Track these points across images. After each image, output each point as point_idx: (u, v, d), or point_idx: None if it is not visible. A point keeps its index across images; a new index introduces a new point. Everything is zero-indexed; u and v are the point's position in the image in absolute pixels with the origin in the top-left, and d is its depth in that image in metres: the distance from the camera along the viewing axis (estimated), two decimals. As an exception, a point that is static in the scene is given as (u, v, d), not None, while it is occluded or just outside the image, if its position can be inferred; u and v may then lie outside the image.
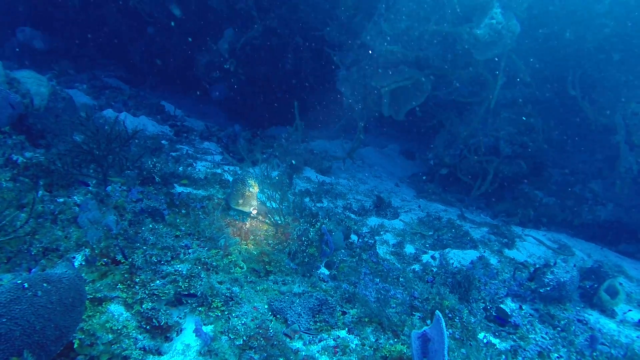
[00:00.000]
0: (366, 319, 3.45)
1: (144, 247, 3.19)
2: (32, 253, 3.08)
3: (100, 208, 4.10)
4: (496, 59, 6.02)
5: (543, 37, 6.33)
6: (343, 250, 5.11)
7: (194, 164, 7.02)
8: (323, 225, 4.85)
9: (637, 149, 6.10)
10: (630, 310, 5.25)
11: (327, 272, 4.68)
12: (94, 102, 10.45)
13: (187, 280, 3.03)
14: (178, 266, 3.15)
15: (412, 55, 6.30)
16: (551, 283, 4.73)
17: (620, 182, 6.59)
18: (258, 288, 3.57)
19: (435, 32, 5.78)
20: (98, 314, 2.80)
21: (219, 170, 6.92)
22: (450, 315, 3.95)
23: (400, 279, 4.85)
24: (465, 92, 7.41)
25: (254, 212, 4.68)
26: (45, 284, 2.39)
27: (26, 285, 2.28)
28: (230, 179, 6.75)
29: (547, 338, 4.23)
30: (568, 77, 6.98)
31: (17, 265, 2.99)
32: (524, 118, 7.27)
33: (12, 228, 3.07)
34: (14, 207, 3.78)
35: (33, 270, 2.97)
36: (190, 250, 3.41)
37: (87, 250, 3.24)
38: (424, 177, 9.32)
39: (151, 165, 5.54)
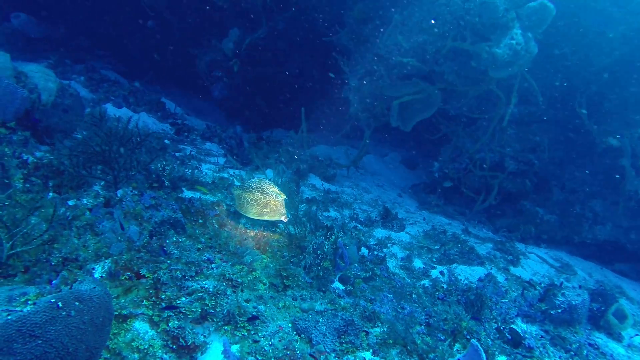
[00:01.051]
0: (390, 341, 3.40)
1: (168, 262, 3.07)
2: (52, 263, 2.93)
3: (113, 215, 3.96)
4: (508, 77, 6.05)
5: (554, 57, 6.38)
6: (356, 265, 5.05)
7: (200, 167, 6.87)
8: (339, 240, 4.79)
9: (643, 174, 6.22)
10: (637, 334, 5.33)
11: (341, 286, 4.61)
12: (92, 95, 10.17)
13: (213, 298, 2.93)
14: (204, 282, 3.05)
15: (427, 69, 6.30)
16: (562, 305, 4.77)
17: (624, 204, 6.71)
18: (280, 305, 3.49)
19: (452, 48, 5.78)
20: (123, 331, 2.68)
21: (225, 175, 6.79)
22: (468, 337, 3.94)
23: (414, 296, 4.83)
24: (474, 108, 7.45)
25: (285, 219, 4.54)
26: (77, 303, 2.27)
27: (60, 304, 2.16)
28: (238, 184, 6.64)
29: (561, 362, 4.26)
30: (576, 98, 7.08)
31: (37, 276, 2.84)
32: (530, 136, 7.36)
33: (31, 236, 2.92)
34: (28, 210, 3.62)
35: (54, 282, 2.83)
36: (213, 265, 3.30)
37: (107, 261, 3.11)
38: (427, 189, 9.34)
39: (160, 168, 5.39)
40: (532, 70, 6.33)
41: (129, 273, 2.91)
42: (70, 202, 4.11)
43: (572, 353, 4.43)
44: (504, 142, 7.49)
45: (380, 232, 6.76)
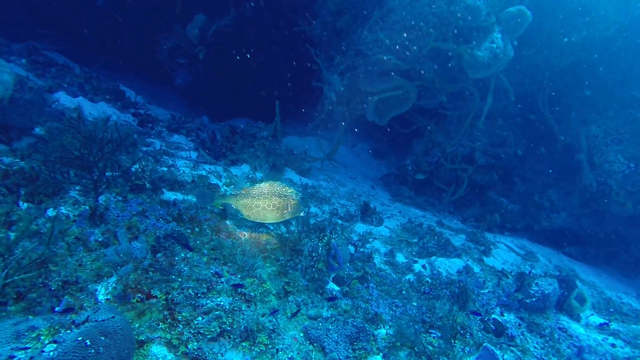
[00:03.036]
0: (398, 343, 3.52)
1: (179, 280, 2.94)
2: (52, 288, 2.70)
3: (97, 224, 3.71)
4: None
5: (522, 58, 6.72)
6: (348, 264, 5.13)
7: (176, 164, 6.56)
8: (333, 241, 4.83)
9: (597, 169, 6.80)
10: (592, 314, 5.92)
11: (336, 287, 4.68)
12: (39, 82, 9.27)
13: (230, 315, 2.87)
14: (218, 299, 2.96)
15: (407, 67, 6.40)
16: (536, 294, 5.17)
17: (579, 195, 7.33)
18: (288, 314, 3.48)
19: (433, 47, 5.90)
20: (141, 357, 2.55)
21: (203, 172, 6.54)
22: (462, 332, 4.17)
23: (403, 292, 5.01)
24: (447, 104, 7.71)
25: (303, 215, 4.43)
26: (103, 338, 2.13)
27: (88, 342, 2.01)
28: (216, 182, 6.43)
29: (539, 347, 4.65)
30: (539, 96, 7.54)
31: (37, 303, 2.61)
32: (498, 131, 7.77)
33: (27, 260, 2.66)
34: (1, 224, 3.29)
35: (57, 309, 2.62)
36: (222, 279, 3.21)
37: (110, 281, 2.92)
38: (397, 180, 9.60)
39: (140, 170, 5.08)
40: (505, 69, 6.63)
41: (139, 295, 2.75)
42: (50, 212, 3.78)
43: (547, 338, 4.85)
44: (474, 136, 7.85)
45: (361, 227, 6.88)
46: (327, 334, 3.33)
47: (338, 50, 7.90)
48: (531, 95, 7.80)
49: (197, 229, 3.86)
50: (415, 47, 5.96)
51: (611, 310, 6.54)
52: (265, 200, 4.09)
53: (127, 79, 12.50)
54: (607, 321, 5.85)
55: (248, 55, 10.54)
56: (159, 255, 3.08)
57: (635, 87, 7.03)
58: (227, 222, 5.05)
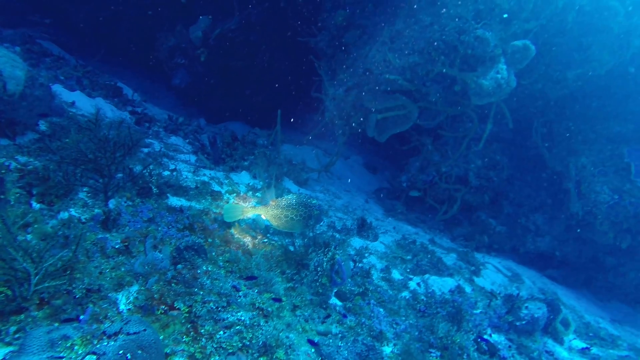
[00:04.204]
0: (404, 363, 3.63)
1: (201, 293, 2.97)
2: (76, 296, 2.69)
3: (109, 229, 3.69)
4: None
5: (519, 87, 7.02)
6: (350, 280, 5.22)
7: (178, 168, 6.52)
8: (337, 257, 4.91)
9: (584, 198, 7.15)
10: (575, 338, 6.20)
11: (339, 302, 4.76)
12: (33, 71, 9.04)
13: (250, 330, 2.91)
14: (238, 314, 3.00)
15: (413, 88, 6.59)
16: (526, 318, 5.39)
17: (565, 221, 7.66)
18: (299, 328, 3.54)
19: (441, 72, 6.11)
20: (165, 371, 2.57)
21: (205, 179, 6.53)
22: (459, 352, 4.32)
23: (402, 310, 5.13)
24: (446, 126, 7.95)
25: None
26: (140, 352, 2.15)
27: (129, 356, 2.03)
28: (219, 189, 6.43)
29: (528, 369, 4.85)
30: (533, 124, 7.87)
31: (62, 311, 2.59)
32: (492, 154, 8.06)
33: (53, 267, 2.65)
34: (19, 227, 3.25)
35: (82, 317, 2.61)
36: (240, 293, 3.25)
37: (131, 290, 2.92)
38: (390, 195, 9.78)
39: (147, 173, 5.05)
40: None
41: (163, 306, 2.77)
42: (63, 215, 3.74)
43: (535, 360, 5.07)
44: (469, 158, 8.11)
45: (357, 242, 6.99)
46: (337, 351, 3.40)
47: (343, 64, 8.04)
48: (525, 122, 8.13)
49: (209, 240, 3.88)
50: (422, 71, 6.16)
51: (590, 334, 6.84)
52: (293, 211, 4.23)
53: (123, 75, 12.31)
54: (588, 346, 6.12)
55: (250, 61, 10.57)
56: (179, 266, 3.10)
57: (620, 123, 7.44)
58: (231, 231, 5.08)
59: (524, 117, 8.17)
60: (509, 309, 5.62)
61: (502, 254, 8.58)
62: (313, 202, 4.33)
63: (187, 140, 8.80)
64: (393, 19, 7.17)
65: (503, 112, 6.56)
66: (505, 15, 5.49)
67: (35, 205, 3.69)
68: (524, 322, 5.41)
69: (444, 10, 5.63)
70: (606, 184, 7.15)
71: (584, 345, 6.06)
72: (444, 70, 6.01)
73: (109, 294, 2.87)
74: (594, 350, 6.06)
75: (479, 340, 4.91)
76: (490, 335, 5.31)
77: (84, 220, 3.77)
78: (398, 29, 6.76)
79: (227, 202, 5.99)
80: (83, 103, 8.22)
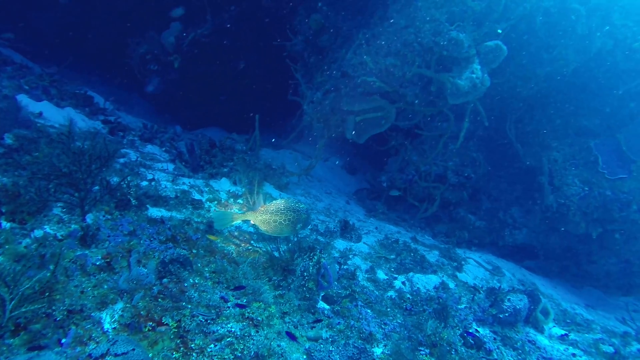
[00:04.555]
0: (395, 363, 3.66)
1: (189, 306, 2.91)
2: (57, 319, 2.58)
3: (88, 245, 3.57)
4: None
5: (492, 85, 7.21)
6: (336, 282, 5.22)
7: (155, 177, 6.37)
8: (323, 260, 4.91)
9: (557, 191, 7.41)
10: (554, 326, 6.41)
11: (327, 306, 4.75)
12: (-3, 83, 8.66)
13: (241, 341, 2.88)
14: (228, 325, 2.96)
15: (390, 90, 6.67)
16: (509, 310, 5.54)
17: (541, 214, 7.93)
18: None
19: (417, 74, 6.21)
20: (155, 390, 2.50)
21: (185, 187, 6.40)
22: (448, 348, 4.39)
23: (388, 309, 5.18)
24: (423, 125, 8.09)
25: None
26: (130, 375, 2.08)
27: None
28: (199, 197, 6.32)
29: (513, 360, 4.99)
30: (505, 121, 8.10)
31: (42, 336, 2.48)
32: (469, 152, 8.26)
33: (30, 290, 2.53)
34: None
35: (63, 341, 2.50)
36: (229, 304, 3.20)
37: (115, 308, 2.83)
38: (370, 195, 9.86)
39: (125, 185, 4.91)
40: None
41: (151, 323, 2.70)
42: (37, 233, 3.59)
43: (520, 350, 5.21)
44: (447, 157, 8.28)
45: (341, 244, 7.01)
46: (329, 356, 3.40)
47: (320, 68, 8.06)
48: (499, 120, 8.37)
49: (194, 250, 3.81)
50: (399, 72, 6.24)
51: (568, 321, 7.09)
52: (281, 216, 4.25)
53: (93, 82, 11.95)
54: (566, 332, 6.34)
55: (224, 66, 10.46)
56: (165, 280, 3.03)
57: (587, 119, 7.76)
58: (215, 240, 5.00)
59: (498, 115, 8.41)
60: (492, 302, 5.76)
61: (482, 248, 8.79)
62: (301, 206, 4.37)
63: (164, 149, 8.61)
64: (368, 22, 7.24)
65: (478, 111, 6.72)
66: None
67: (6, 225, 3.53)
68: (507, 314, 5.55)
69: (419, 13, 5.74)
70: (577, 176, 7.44)
71: (563, 332, 6.27)
72: (420, 71, 6.11)
73: (92, 314, 2.78)
74: (571, 335, 6.28)
75: (466, 335, 5.01)
76: (477, 331, 5.42)
77: (60, 237, 3.63)
78: (373, 32, 6.83)
79: (209, 211, 5.90)
80: (51, 113, 7.92)
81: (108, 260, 3.18)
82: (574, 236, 8.20)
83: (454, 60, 5.80)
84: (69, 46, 11.44)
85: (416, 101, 6.78)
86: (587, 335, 6.65)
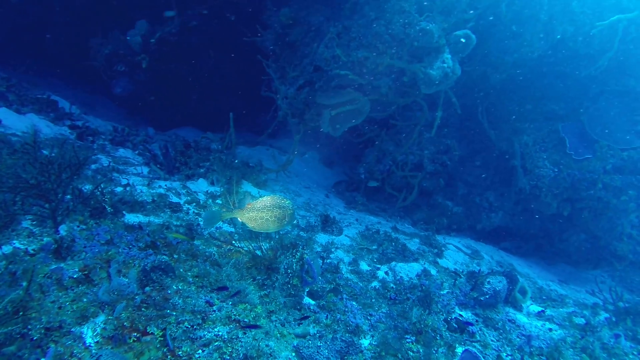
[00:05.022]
0: (383, 353, 3.72)
1: (174, 313, 2.87)
2: (34, 338, 2.49)
3: (63, 257, 3.46)
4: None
5: (463, 73, 7.34)
6: (320, 277, 5.25)
7: (130, 182, 6.19)
8: (306, 256, 4.92)
9: (529, 173, 7.66)
10: (532, 304, 6.66)
11: (312, 302, 4.78)
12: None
13: (229, 345, 2.86)
14: (215, 329, 2.93)
15: (364, 82, 6.70)
16: (489, 292, 5.71)
17: (514, 196, 8.19)
18: (277, 334, 3.52)
19: (389, 65, 6.25)
20: (144, 402, 2.46)
21: (162, 191, 6.26)
22: (432, 334, 4.50)
23: (373, 300, 5.25)
24: (397, 115, 8.17)
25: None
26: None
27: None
28: (177, 200, 6.20)
29: (495, 340, 5.16)
30: (478, 107, 8.29)
31: (18, 358, 2.39)
32: (443, 139, 8.42)
33: (2, 311, 2.43)
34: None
35: (44, 360, 2.42)
36: (214, 308, 3.17)
37: (97, 321, 2.76)
38: (349, 187, 9.93)
39: (98, 192, 4.76)
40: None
41: (135, 334, 2.64)
42: (6, 249, 3.44)
43: (501, 330, 5.39)
44: (423, 145, 8.41)
45: (323, 238, 7.04)
46: (318, 351, 3.43)
47: (292, 62, 8.00)
48: (471, 106, 8.55)
49: (175, 255, 3.74)
50: (371, 64, 6.27)
51: (544, 297, 7.38)
52: (268, 212, 4.26)
53: (55, 86, 11.46)
54: (543, 309, 6.60)
55: (194, 64, 10.23)
56: (147, 289, 2.96)
57: (554, 102, 8.03)
58: (196, 242, 4.94)
59: (469, 102, 8.59)
60: (473, 285, 5.92)
61: (461, 233, 9.01)
62: (286, 203, 4.41)
63: (137, 152, 8.39)
64: (338, 15, 7.22)
65: (451, 99, 6.84)
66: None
67: (-26, 241, 3.37)
68: (487, 296, 5.73)
69: (388, 4, 5.77)
70: (547, 159, 7.70)
71: (540, 309, 6.52)
72: (393, 63, 6.15)
73: (73, 329, 2.69)
74: (548, 311, 6.53)
75: (450, 319, 5.15)
76: (461, 316, 5.55)
77: (32, 252, 3.49)
78: (344, 24, 6.82)
79: (188, 213, 5.81)
80: (12, 121, 7.58)
81: (86, 272, 3.08)
82: (546, 216, 8.50)
83: (425, 51, 5.86)
84: (25, 49, 10.92)
85: (390, 92, 6.83)
86: (561, 309, 6.93)
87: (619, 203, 7.50)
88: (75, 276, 3.11)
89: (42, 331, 2.55)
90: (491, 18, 6.59)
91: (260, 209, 4.31)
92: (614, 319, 6.31)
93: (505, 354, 4.91)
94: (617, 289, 7.63)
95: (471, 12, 5.86)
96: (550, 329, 6.03)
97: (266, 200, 4.39)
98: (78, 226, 3.96)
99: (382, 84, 6.57)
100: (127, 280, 2.96)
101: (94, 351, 2.50)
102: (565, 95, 7.95)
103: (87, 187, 5.07)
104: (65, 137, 8.03)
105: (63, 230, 3.91)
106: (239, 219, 4.39)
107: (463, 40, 5.79)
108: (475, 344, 4.88)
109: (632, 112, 7.77)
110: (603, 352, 5.35)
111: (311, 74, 6.87)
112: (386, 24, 5.87)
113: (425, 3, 5.68)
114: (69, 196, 4.41)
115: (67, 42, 10.65)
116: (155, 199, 5.77)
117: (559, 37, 7.09)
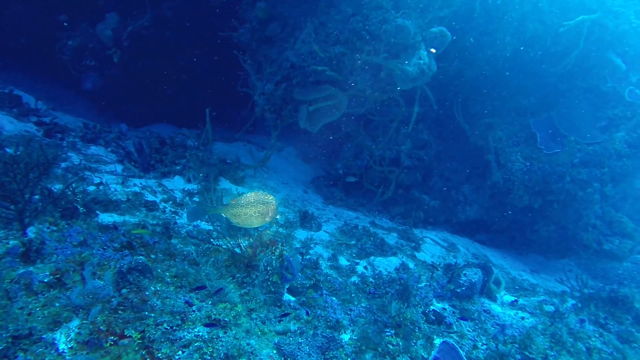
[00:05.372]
0: (363, 347, 3.77)
1: (153, 315, 2.81)
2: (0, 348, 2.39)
3: (32, 261, 3.33)
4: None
5: (438, 69, 7.46)
6: (300, 274, 5.25)
7: (104, 180, 6.00)
8: (285, 253, 4.91)
9: (503, 168, 7.89)
10: (505, 294, 6.89)
11: (292, 298, 4.78)
12: None
13: (210, 344, 2.84)
14: (195, 330, 2.90)
15: (341, 78, 6.71)
16: (465, 284, 5.87)
17: (489, 190, 8.41)
18: (257, 332, 3.51)
19: (366, 61, 6.29)
20: (123, 407, 2.41)
21: (137, 189, 6.10)
22: (411, 326, 4.59)
23: (353, 295, 5.30)
24: (375, 111, 8.23)
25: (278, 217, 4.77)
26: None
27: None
28: (153, 198, 6.06)
29: (471, 330, 5.31)
30: (453, 102, 8.45)
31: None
32: (419, 135, 8.55)
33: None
34: None
35: (14, 369, 2.33)
36: (194, 308, 3.13)
37: (70, 326, 2.68)
38: (327, 182, 9.97)
39: (70, 192, 4.59)
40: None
41: (112, 337, 2.58)
42: (-30, 254, 3.28)
43: (476, 320, 5.55)
44: (400, 140, 8.51)
45: (301, 234, 7.05)
46: (299, 348, 3.44)
47: (269, 58, 7.93)
48: (446, 102, 8.70)
49: (152, 256, 3.66)
50: (349, 60, 6.28)
51: (516, 287, 7.63)
52: (252, 208, 4.31)
53: (18, 81, 10.93)
54: (516, 298, 6.83)
55: (169, 59, 9.98)
56: (124, 291, 2.89)
57: (526, 98, 8.28)
58: (173, 241, 4.86)
59: (445, 97, 8.73)
60: (449, 278, 6.07)
61: (438, 227, 9.20)
62: (270, 199, 4.47)
63: (110, 149, 8.13)
64: (315, 10, 7.18)
65: (427, 95, 6.95)
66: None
67: None
68: (463, 288, 5.88)
69: (365, 1, 5.78)
70: (519, 153, 7.95)
71: (513, 298, 6.74)
72: (370, 59, 6.18)
73: (44, 336, 2.60)
74: (520, 300, 6.77)
75: (427, 312, 5.26)
76: (444, 309, 5.68)
77: (-1, 255, 3.35)
78: (321, 20, 6.79)
79: (165, 212, 5.69)
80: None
81: (58, 275, 2.97)
82: (519, 209, 8.77)
83: (402, 47, 5.92)
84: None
85: (367, 88, 6.88)
86: (533, 298, 7.19)
87: (585, 195, 7.83)
88: (46, 280, 3.00)
89: (9, 340, 2.45)
90: (465, 15, 6.72)
91: (244, 205, 4.37)
92: (579, 305, 6.60)
93: (480, 343, 5.07)
94: (583, 277, 8.00)
95: (446, 10, 5.95)
96: (523, 318, 6.24)
97: (250, 196, 4.45)
98: (48, 228, 3.81)
99: (359, 80, 6.60)
100: (102, 282, 2.88)
101: (67, 357, 2.42)
102: (536, 91, 8.20)
103: (58, 187, 4.89)
104: (31, 134, 7.71)
105: (31, 232, 3.75)
106: (223, 214, 4.44)
107: (439, 37, 5.87)
108: (453, 334, 5.02)
109: (597, 109, 8.11)
110: (570, 337, 5.58)
111: (288, 70, 6.82)
112: (363, 19, 5.89)
113: (401, 0, 5.73)
114: (37, 196, 4.25)
115: (31, 35, 10.17)
116: (130, 197, 5.62)
117: (530, 34, 7.30)
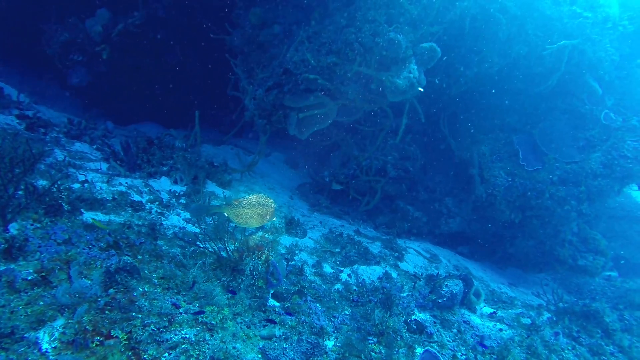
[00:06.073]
0: (347, 354, 3.81)
1: (140, 316, 2.79)
2: (-16, 345, 2.35)
3: (14, 258, 3.27)
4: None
5: (427, 83, 7.64)
6: (285, 279, 5.27)
7: (88, 178, 5.90)
8: (271, 258, 4.93)
9: (486, 182, 8.10)
10: (485, 306, 7.04)
11: (277, 303, 4.79)
12: None
13: (196, 347, 2.84)
14: (182, 332, 2.89)
15: (332, 87, 6.81)
16: (447, 294, 5.98)
17: (472, 204, 8.61)
18: (242, 336, 3.51)
19: (358, 72, 6.40)
20: (106, 408, 2.39)
21: (123, 188, 6.02)
22: (393, 335, 4.65)
23: (336, 302, 5.34)
24: (364, 121, 8.36)
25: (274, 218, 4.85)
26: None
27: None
28: (139, 198, 5.99)
29: (451, 340, 5.40)
30: (440, 116, 8.65)
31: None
32: (406, 146, 8.71)
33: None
34: None
35: (-4, 368, 2.28)
36: (181, 310, 3.12)
37: (55, 325, 2.64)
38: (313, 189, 10.02)
39: (55, 189, 4.51)
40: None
41: (98, 337, 2.55)
42: (-50, 249, 3.20)
43: (456, 331, 5.66)
44: (387, 151, 8.65)
45: (287, 240, 7.06)
46: (284, 353, 3.45)
47: (261, 63, 7.98)
48: (434, 116, 8.90)
49: (139, 257, 3.63)
50: (340, 70, 6.39)
51: (495, 299, 7.81)
52: (252, 209, 4.43)
53: None
54: (494, 310, 6.99)
55: (159, 58, 9.91)
56: (111, 291, 2.86)
57: (510, 115, 8.56)
58: (160, 242, 4.82)
59: (432, 111, 8.93)
60: (431, 288, 6.17)
61: (421, 238, 9.34)
62: (269, 201, 4.60)
63: (95, 147, 7.99)
64: (308, 19, 7.29)
65: (415, 108, 7.11)
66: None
67: None
68: (445, 299, 5.99)
69: (359, 13, 5.91)
70: (502, 168, 8.18)
71: (492, 310, 6.90)
72: (361, 70, 6.30)
73: (26, 335, 2.55)
74: (499, 312, 6.93)
75: (409, 321, 5.34)
76: (429, 321, 5.78)
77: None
78: (314, 29, 6.90)
79: (151, 212, 5.64)
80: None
81: (43, 273, 2.92)
82: (500, 223, 9.00)
83: (393, 60, 6.06)
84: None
85: (357, 98, 6.99)
86: (510, 310, 7.36)
87: (563, 212, 8.10)
88: (29, 278, 2.94)
89: (-8, 337, 2.40)
90: (455, 33, 6.94)
91: (246, 206, 4.50)
92: (554, 319, 6.80)
93: (460, 354, 5.17)
94: (558, 291, 8.24)
95: (437, 26, 6.13)
96: (501, 329, 6.39)
97: (252, 198, 4.58)
98: (32, 224, 3.74)
99: (350, 90, 6.71)
100: (89, 282, 2.84)
101: (51, 357, 2.39)
102: (520, 109, 8.49)
103: (41, 183, 4.79)
104: (13, 128, 7.53)
105: (14, 228, 3.68)
106: (225, 214, 4.55)
107: (429, 52, 6.04)
108: (433, 344, 5.10)
109: (575, 129, 8.44)
110: (545, 349, 5.74)
111: (280, 76, 6.88)
112: (356, 31, 6.01)
113: (394, 14, 5.87)
114: (21, 192, 4.16)
115: (14, 26, 9.97)
116: (116, 196, 5.55)
117: (515, 55, 7.57)
